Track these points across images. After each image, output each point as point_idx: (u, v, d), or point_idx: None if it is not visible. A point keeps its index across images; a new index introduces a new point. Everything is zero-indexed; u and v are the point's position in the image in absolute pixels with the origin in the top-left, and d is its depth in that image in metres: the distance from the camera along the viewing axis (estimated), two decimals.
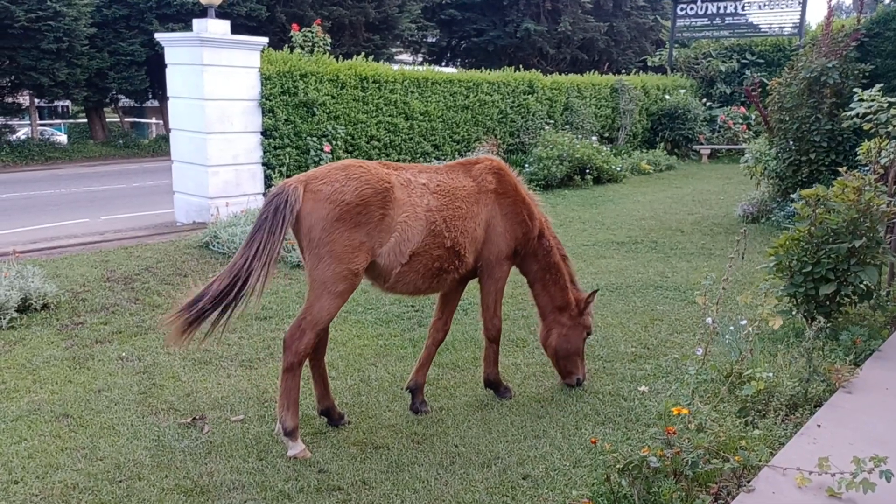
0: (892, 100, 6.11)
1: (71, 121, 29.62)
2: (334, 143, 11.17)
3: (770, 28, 20.22)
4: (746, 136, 19.40)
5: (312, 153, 10.88)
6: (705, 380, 3.68)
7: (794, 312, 5.42)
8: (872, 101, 6.12)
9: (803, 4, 19.35)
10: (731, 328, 4.66)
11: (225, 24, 10.00)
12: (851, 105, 6.44)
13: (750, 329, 3.84)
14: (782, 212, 10.27)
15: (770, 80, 17.84)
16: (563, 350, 4.65)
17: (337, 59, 11.71)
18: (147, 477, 3.58)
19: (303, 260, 3.87)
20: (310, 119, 10.93)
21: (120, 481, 3.55)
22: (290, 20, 13.36)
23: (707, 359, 3.77)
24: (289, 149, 10.68)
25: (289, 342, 3.82)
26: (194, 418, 4.20)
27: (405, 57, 34.21)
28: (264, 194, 10.47)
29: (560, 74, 17.19)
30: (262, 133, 10.48)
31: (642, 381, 4.79)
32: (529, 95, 15.35)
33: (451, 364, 5.10)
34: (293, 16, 22.23)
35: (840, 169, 5.77)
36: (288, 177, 10.74)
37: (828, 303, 5.27)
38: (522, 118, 15.19)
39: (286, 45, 11.17)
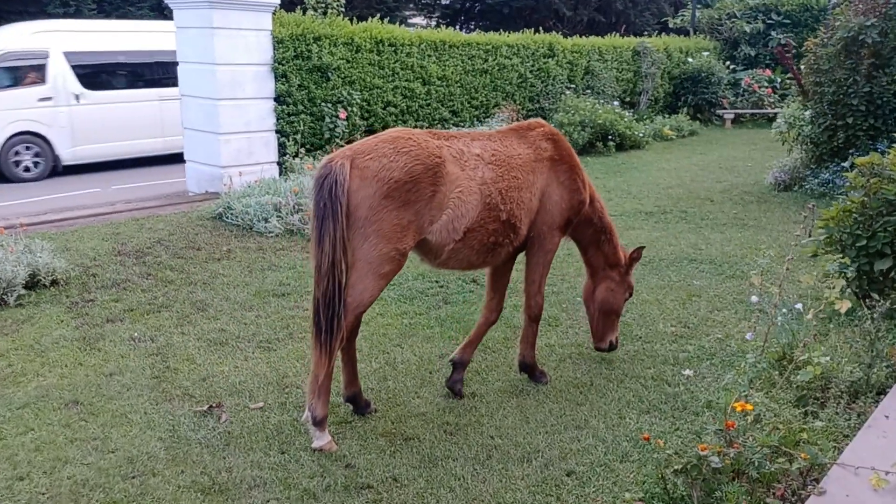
0: None
1: None
2: (350, 109, 10.80)
3: None
4: (772, 100, 18.82)
5: (328, 120, 10.52)
6: (759, 369, 3.38)
7: (846, 289, 5.09)
8: None
9: None
10: (784, 310, 4.34)
11: None
12: None
13: (810, 312, 3.51)
14: (816, 179, 9.85)
15: (797, 41, 17.25)
16: (607, 305, 4.56)
17: (351, 22, 11.28)
18: (161, 472, 3.34)
19: (346, 237, 3.55)
20: (324, 84, 10.55)
21: (133, 477, 3.31)
22: None
23: (765, 345, 3.46)
24: (303, 115, 10.33)
25: (341, 320, 3.55)
26: (211, 406, 3.95)
27: (419, 20, 33.46)
28: (279, 163, 10.17)
29: (579, 37, 16.63)
30: (275, 99, 10.12)
31: (686, 364, 4.49)
32: (550, 59, 14.84)
33: (482, 345, 4.80)
34: None
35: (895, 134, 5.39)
36: (303, 145, 10.48)
37: (882, 279, 4.93)
38: (542, 83, 14.70)
39: (298, 7, 10.74)
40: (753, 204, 9.29)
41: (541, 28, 16.54)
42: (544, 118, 14.54)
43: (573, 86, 15.38)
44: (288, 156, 9.98)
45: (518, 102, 14.19)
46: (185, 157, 10.34)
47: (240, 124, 9.79)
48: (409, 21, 30.52)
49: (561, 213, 4.26)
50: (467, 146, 3.95)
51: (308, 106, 10.41)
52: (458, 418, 3.83)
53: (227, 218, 8.10)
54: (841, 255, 4.35)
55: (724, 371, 4.38)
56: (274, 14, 10.02)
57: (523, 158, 4.12)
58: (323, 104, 10.50)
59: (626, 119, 14.76)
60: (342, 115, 10.45)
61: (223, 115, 9.60)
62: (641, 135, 14.88)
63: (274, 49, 9.95)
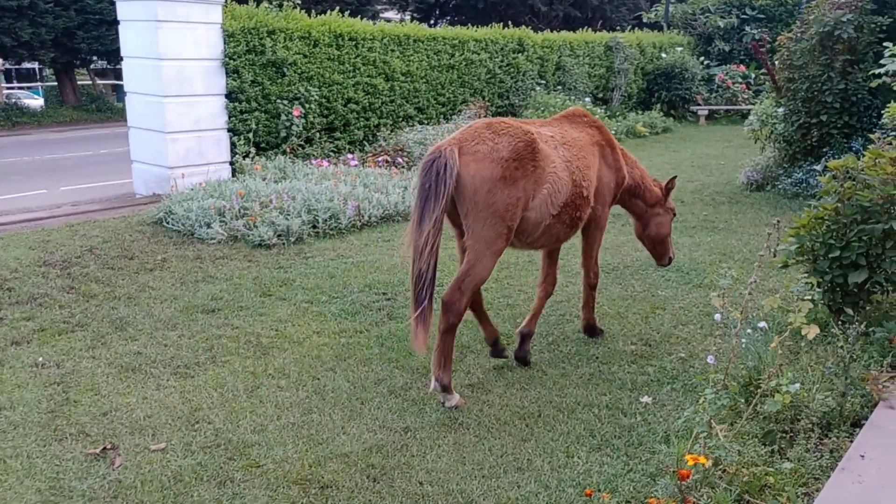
0: None
1: (48, 84, 28.36)
2: (308, 106, 10.31)
3: None
4: (746, 97, 18.57)
5: (283, 118, 10.02)
6: (720, 406, 2.98)
7: (818, 303, 4.71)
8: None
9: None
10: (749, 330, 3.95)
11: None
12: (882, 61, 5.65)
13: (776, 340, 3.12)
14: (790, 179, 9.53)
15: (771, 36, 16.98)
16: (660, 235, 5.13)
17: (309, 15, 10.78)
18: None
19: (463, 222, 3.91)
20: (280, 80, 10.05)
21: None
22: None
23: (726, 377, 3.06)
24: (257, 113, 9.83)
25: (449, 303, 3.85)
26: (105, 448, 3.47)
27: (391, 14, 32.89)
28: (231, 163, 9.67)
29: (550, 32, 16.24)
30: (227, 96, 9.61)
31: (644, 390, 4.09)
32: (519, 54, 14.43)
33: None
34: None
35: (872, 136, 5.03)
36: (257, 144, 9.97)
37: (856, 292, 4.57)
38: (512, 78, 14.29)
39: (252, 0, 10.23)
40: (725, 205, 8.94)
41: (512, 23, 16.12)
42: (514, 115, 14.16)
43: (544, 81, 14.99)
44: (239, 156, 9.48)
45: (487, 99, 13.77)
46: (132, 157, 9.81)
47: (188, 122, 9.27)
48: (381, 15, 29.98)
49: (610, 191, 4.70)
50: (540, 129, 4.30)
51: (262, 103, 9.90)
52: (385, 459, 3.39)
53: (167, 223, 7.59)
54: (807, 275, 3.97)
55: (686, 397, 3.99)
56: (225, 6, 9.52)
57: (583, 141, 4.51)
58: (278, 101, 10.00)
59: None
60: (296, 112, 9.95)
61: (170, 113, 9.08)
62: (614, 132, 14.53)
63: (224, 43, 9.44)
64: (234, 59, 9.49)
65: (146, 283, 5.93)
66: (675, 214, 5.35)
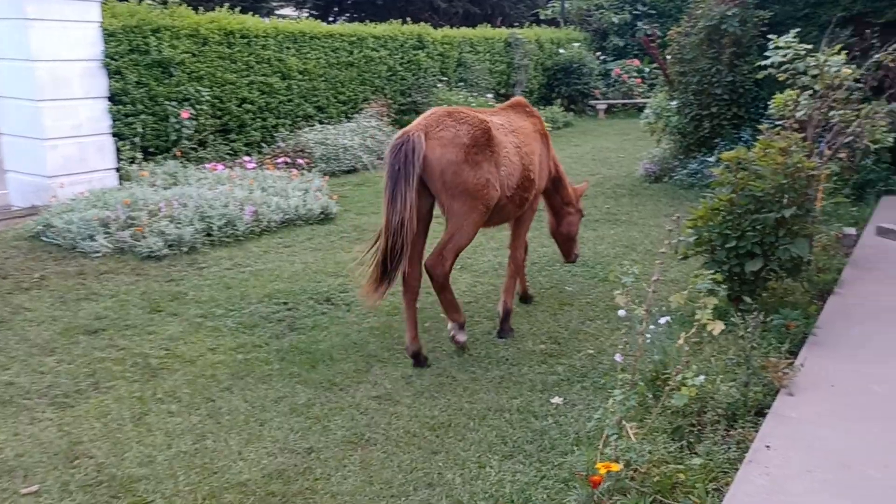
0: (809, 46, 5.53)
1: None
2: (199, 107, 9.80)
3: None
4: (642, 90, 19.12)
5: (173, 120, 9.49)
6: (629, 407, 2.92)
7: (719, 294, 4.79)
8: (789, 48, 5.50)
9: None
10: (653, 326, 3.95)
11: None
12: (766, 53, 5.82)
13: (682, 337, 3.09)
14: (685, 170, 9.82)
15: (662, 31, 17.55)
16: (570, 233, 5.60)
17: (196, 11, 10.26)
18: None
19: (437, 200, 4.29)
20: (167, 81, 9.51)
21: None
22: None
23: (634, 377, 3.01)
24: (143, 116, 9.26)
25: (433, 268, 4.25)
26: None
27: (288, 11, 32.10)
28: (117, 169, 9.07)
29: (450, 28, 16.20)
30: (110, 98, 9.00)
31: (555, 390, 4.02)
32: (420, 51, 14.29)
33: (327, 382, 4.17)
34: None
35: (761, 127, 5.16)
36: (144, 148, 9.40)
37: (753, 280, 4.67)
38: (413, 75, 14.14)
39: None
40: (626, 197, 9.11)
41: (412, 19, 15.96)
42: (416, 112, 14.01)
43: (446, 78, 14.92)
44: (125, 161, 8.90)
45: (388, 96, 13.56)
46: (6, 167, 9.05)
47: (68, 128, 8.62)
48: (277, 12, 29.19)
49: (544, 178, 5.05)
50: (493, 117, 4.61)
51: (149, 105, 9.34)
52: (286, 485, 3.17)
53: (46, 237, 7.02)
54: (713, 271, 4.00)
55: (596, 395, 3.95)
56: (104, 4, 8.91)
57: (528, 129, 4.88)
58: (166, 103, 9.46)
59: None
60: (185, 114, 9.44)
61: (47, 119, 8.42)
62: None
63: (104, 42, 8.84)
64: (116, 60, 8.90)
65: (21, 304, 5.42)
66: (583, 216, 5.79)
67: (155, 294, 5.66)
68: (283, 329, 4.99)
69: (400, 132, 4.22)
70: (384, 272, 4.13)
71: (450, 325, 4.52)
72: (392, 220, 4.02)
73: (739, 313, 4.39)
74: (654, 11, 20.60)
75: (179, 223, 6.99)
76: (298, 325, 5.06)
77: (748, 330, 3.60)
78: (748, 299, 4.46)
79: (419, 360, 4.38)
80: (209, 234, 7.09)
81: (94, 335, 4.86)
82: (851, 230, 6.73)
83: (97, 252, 6.63)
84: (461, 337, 4.50)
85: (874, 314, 4.72)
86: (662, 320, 3.81)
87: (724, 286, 4.70)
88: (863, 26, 8.60)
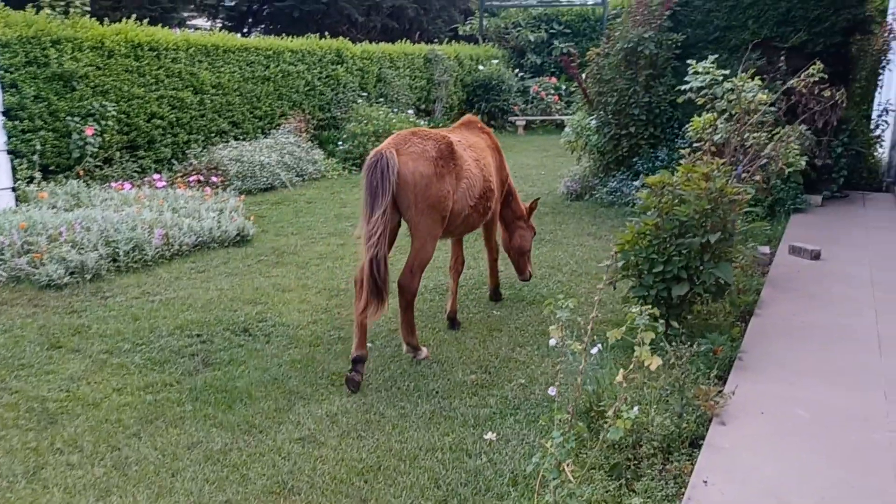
0: (727, 72, 5.66)
1: None
2: (104, 122, 9.26)
3: None
4: (559, 107, 19.46)
5: (75, 136, 8.92)
6: (569, 450, 2.82)
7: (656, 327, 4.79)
8: (707, 73, 5.61)
9: None
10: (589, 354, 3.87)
11: None
12: (686, 78, 5.93)
13: (620, 374, 3.01)
14: (605, 188, 9.95)
15: (578, 49, 17.95)
16: (523, 248, 5.81)
17: (101, 23, 9.72)
18: None
19: (404, 216, 4.59)
20: (69, 95, 8.94)
21: None
22: None
23: (572, 416, 2.90)
24: (42, 132, 8.66)
25: (404, 285, 4.61)
26: None
27: (201, 21, 31.18)
28: (13, 189, 8.43)
29: (369, 43, 16.03)
30: (4, 114, 8.38)
31: (488, 425, 3.88)
32: (339, 66, 14.05)
33: (246, 423, 3.90)
34: None
35: (683, 151, 5.22)
36: (45, 167, 8.78)
37: (679, 304, 4.69)
38: (333, 90, 13.88)
39: (31, 5, 9.02)
40: (548, 216, 9.13)
41: (329, 35, 15.71)
42: (336, 128, 13.77)
43: (365, 94, 14.72)
44: (22, 181, 8.29)
45: (307, 111, 13.26)
46: None
47: None
48: (189, 23, 28.30)
49: (500, 189, 5.43)
50: (451, 135, 4.98)
51: (49, 121, 8.75)
52: None
53: None
54: (649, 305, 3.97)
55: (529, 429, 3.83)
56: None
57: (482, 144, 5.30)
58: (69, 118, 8.89)
59: (421, 127, 14.34)
60: (89, 131, 8.89)
61: None
62: None
63: None
64: (11, 73, 8.30)
65: None
66: (535, 233, 6.10)
67: (54, 328, 5.22)
68: (196, 365, 4.67)
69: (373, 151, 4.48)
70: (375, 284, 4.28)
71: (405, 347, 4.81)
72: (371, 233, 4.26)
73: (666, 336, 4.40)
74: (569, 30, 21.07)
75: (82, 248, 6.52)
76: (213, 359, 4.75)
77: (680, 361, 3.57)
78: (675, 324, 4.47)
79: (358, 366, 4.38)
80: (115, 260, 6.65)
81: None
82: (766, 249, 6.93)
83: None
84: (421, 355, 4.78)
85: (791, 333, 4.82)
86: (594, 349, 3.73)
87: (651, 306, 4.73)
88: (770, 50, 8.96)
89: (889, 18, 11.27)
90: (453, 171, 4.66)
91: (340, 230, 8.39)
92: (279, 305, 5.81)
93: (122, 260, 6.65)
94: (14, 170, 8.39)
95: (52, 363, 4.64)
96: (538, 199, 6.12)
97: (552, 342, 3.57)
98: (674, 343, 4.21)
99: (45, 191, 8.05)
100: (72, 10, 9.34)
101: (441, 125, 16.57)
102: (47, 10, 9.11)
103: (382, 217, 4.26)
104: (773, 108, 5.90)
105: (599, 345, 3.87)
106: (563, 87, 19.69)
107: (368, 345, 4.77)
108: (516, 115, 19.03)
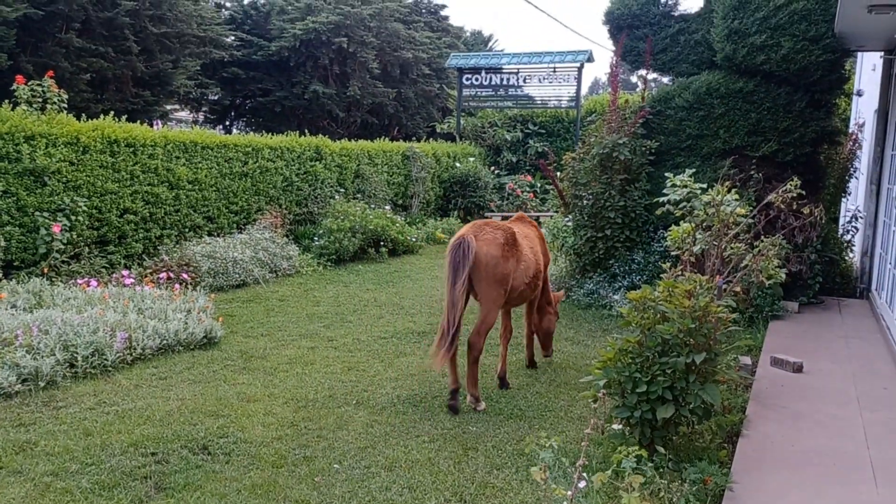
0: (704, 186, 5.67)
1: None
2: (74, 218, 9.07)
3: (550, 100, 20.96)
4: (534, 204, 19.70)
5: (43, 232, 8.70)
6: None
7: (628, 437, 4.57)
8: (685, 186, 5.62)
9: (578, 80, 20.29)
10: (568, 493, 3.62)
11: None
12: (665, 191, 5.94)
13: None
14: (582, 289, 9.87)
15: (552, 149, 18.37)
16: (549, 329, 6.96)
17: (90, 117, 9.70)
18: None
19: (475, 288, 5.77)
20: (39, 190, 8.79)
21: None
22: (41, 72, 11.08)
23: None
24: (9, 227, 8.44)
25: (473, 343, 5.73)
26: None
27: (184, 114, 31.65)
28: None
29: (350, 139, 16.24)
30: None
31: None
32: (317, 162, 14.13)
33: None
34: (43, 67, 19.15)
35: (664, 265, 5.14)
36: (7, 261, 8.51)
37: (663, 426, 4.48)
38: (310, 186, 13.90)
39: (7, 101, 8.98)
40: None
41: (310, 129, 15.91)
42: (313, 223, 13.71)
43: (343, 189, 14.78)
44: (454, 238, 8.03)
45: (284, 207, 13.22)
46: None
47: None
48: (172, 116, 28.71)
49: (544, 272, 6.67)
50: (511, 226, 6.15)
51: (16, 216, 8.55)
52: None
53: None
54: (633, 440, 3.77)
55: None
56: None
57: (532, 234, 6.57)
58: (37, 213, 8.69)
59: (398, 224, 14.37)
60: (56, 228, 8.68)
61: None
62: (414, 239, 14.56)
63: None
64: None
65: None
66: (558, 317, 7.34)
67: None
68: (148, 490, 4.31)
69: (456, 236, 5.72)
70: (451, 341, 5.47)
71: (469, 398, 5.83)
72: (454, 299, 5.47)
73: (652, 463, 4.17)
74: (543, 131, 21.63)
75: (38, 353, 6.20)
76: (167, 483, 4.41)
77: (672, 500, 3.34)
78: (661, 449, 4.25)
79: (455, 398, 5.71)
80: (72, 366, 6.32)
81: None
82: (747, 359, 6.81)
83: None
84: (480, 407, 5.79)
85: (782, 460, 4.61)
86: (582, 484, 3.49)
87: (635, 426, 4.51)
88: (742, 159, 9.13)
89: (852, 127, 11.67)
90: (515, 255, 5.87)
91: (312, 332, 8.14)
92: (242, 418, 5.49)
93: (80, 365, 6.32)
94: None
95: None
96: (565, 288, 7.56)
97: (533, 471, 3.34)
98: (661, 469, 3.98)
99: (4, 290, 7.74)
100: (49, 106, 9.32)
101: (418, 221, 16.62)
102: (24, 106, 9.08)
103: (462, 286, 5.48)
104: (751, 220, 5.90)
105: (584, 482, 3.65)
106: (538, 184, 20.00)
107: (335, 466, 4.49)
108: (492, 211, 19.18)
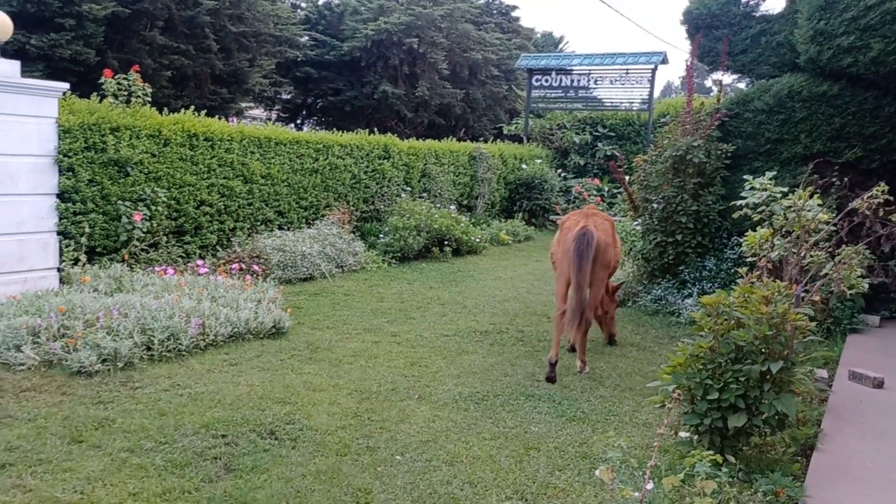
0: (784, 189, 5.48)
1: None
2: (154, 208, 9.42)
3: (621, 103, 20.63)
4: (601, 208, 19.42)
5: (125, 220, 9.06)
6: None
7: (696, 445, 4.45)
8: (764, 189, 5.44)
9: (652, 82, 19.90)
10: (636, 493, 3.55)
11: (12, 65, 8.15)
12: (743, 194, 5.76)
13: None
14: (650, 295, 9.68)
15: (621, 152, 18.08)
16: (612, 314, 7.80)
17: (170, 112, 10.08)
18: None
19: (587, 266, 6.49)
20: (122, 180, 9.16)
21: None
22: (125, 69, 11.61)
23: None
24: (93, 215, 8.82)
25: (588, 317, 6.62)
26: None
27: (258, 112, 32.49)
28: (59, 269, 8.53)
29: (417, 138, 16.35)
30: (59, 196, 8.58)
31: None
32: (385, 160, 14.29)
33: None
34: (128, 63, 19.98)
35: (740, 270, 4.99)
36: (91, 248, 8.91)
37: (735, 436, 4.35)
38: (377, 184, 14.06)
39: (95, 94, 9.40)
40: None
41: (378, 128, 16.10)
42: (379, 220, 13.87)
43: (409, 188, 14.89)
44: (68, 262, 8.39)
45: (351, 204, 13.41)
46: None
47: (10, 224, 8.13)
48: (247, 113, 29.49)
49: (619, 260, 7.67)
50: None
51: (101, 204, 8.93)
52: None
53: None
54: (700, 443, 3.67)
55: None
56: (63, 100, 8.65)
57: (607, 224, 7.10)
58: (120, 202, 9.06)
59: (462, 224, 14.39)
60: (137, 217, 9.03)
61: None
62: (478, 240, 14.55)
63: (59, 139, 8.51)
64: (70, 157, 8.55)
65: None
66: (618, 305, 8.43)
67: (79, 420, 5.07)
68: (217, 470, 4.44)
69: (579, 226, 6.57)
70: (581, 316, 6.43)
71: (578, 364, 6.84)
72: (581, 281, 6.38)
73: (721, 472, 4.05)
74: (613, 134, 21.31)
75: (118, 335, 6.46)
76: (236, 464, 4.53)
77: None
78: (732, 458, 4.12)
79: (554, 371, 6.53)
80: (149, 349, 6.56)
81: (1, 471, 4.24)
82: (823, 372, 6.55)
83: (22, 364, 6.05)
84: (586, 370, 6.79)
85: (861, 478, 4.41)
86: (649, 486, 3.42)
87: (704, 434, 4.39)
88: (823, 165, 8.79)
89: None
90: (615, 241, 7.06)
91: (376, 326, 8.23)
92: (308, 406, 5.60)
93: (156, 348, 6.56)
94: (62, 251, 8.51)
95: (71, 459, 4.47)
96: (623, 282, 8.78)
97: (597, 473, 3.29)
98: (731, 479, 3.87)
99: (87, 274, 8.10)
100: (133, 99, 9.71)
101: (482, 221, 16.61)
102: (111, 99, 9.48)
103: (589, 269, 6.40)
104: (833, 227, 5.67)
105: (652, 482, 3.58)
106: (606, 188, 19.73)
107: (397, 457, 4.54)
108: (557, 215, 19.01)
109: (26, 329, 6.38)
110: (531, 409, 5.80)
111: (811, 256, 5.53)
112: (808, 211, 5.17)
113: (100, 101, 9.28)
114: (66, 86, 8.67)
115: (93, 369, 6.02)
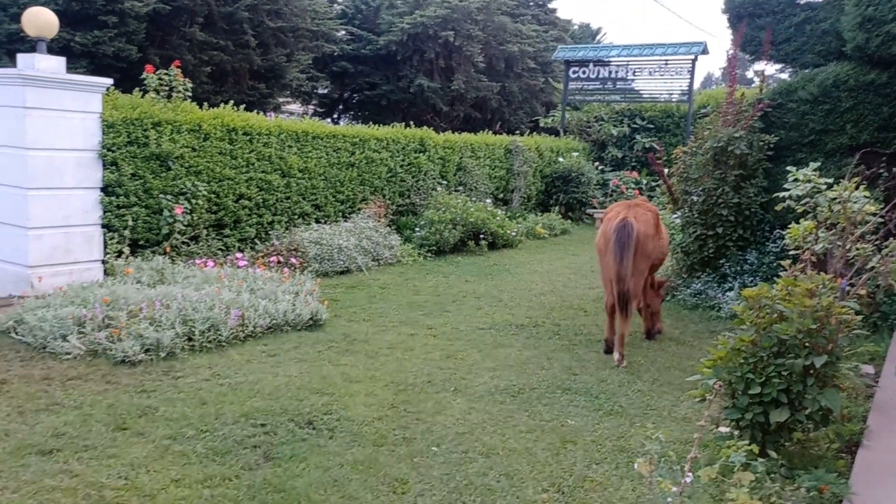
0: (829, 181, 5.34)
1: None
2: (195, 201, 9.58)
3: (660, 94, 20.32)
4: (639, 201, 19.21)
5: (166, 213, 9.23)
6: None
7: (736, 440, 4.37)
8: (808, 181, 5.31)
9: (692, 73, 19.56)
10: (674, 489, 3.50)
11: (58, 62, 8.35)
12: (786, 186, 5.64)
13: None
14: (689, 289, 9.53)
15: (660, 145, 17.82)
16: (655, 309, 7.68)
17: (210, 107, 10.23)
18: None
19: (629, 258, 6.54)
20: (164, 174, 9.33)
21: None
22: (166, 65, 11.83)
23: None
24: (136, 208, 9.01)
25: (630, 306, 6.60)
26: None
27: (295, 107, 32.78)
28: (104, 261, 8.74)
29: (453, 132, 16.33)
30: (103, 189, 8.78)
31: None
32: (421, 154, 14.31)
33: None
34: (168, 59, 20.33)
35: (783, 263, 4.88)
36: (134, 240, 9.11)
37: (777, 431, 4.26)
38: (413, 178, 14.09)
39: (137, 89, 9.58)
40: None
41: (414, 122, 16.12)
42: (414, 214, 13.90)
43: (445, 181, 14.89)
44: (112, 254, 8.58)
45: (387, 197, 13.46)
46: None
47: (57, 217, 8.35)
48: (285, 108, 29.77)
49: (664, 251, 7.56)
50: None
51: (143, 197, 9.11)
52: None
53: (17, 334, 6.61)
54: (727, 409, 3.61)
55: None
56: (106, 95, 8.84)
57: (650, 215, 7.06)
58: (162, 196, 9.23)
59: (498, 217, 14.34)
60: (178, 210, 9.19)
61: (34, 207, 8.15)
62: (514, 233, 14.49)
63: (103, 133, 8.70)
64: (113, 151, 8.74)
65: None
66: (663, 299, 8.05)
67: (123, 408, 5.19)
68: (257, 458, 4.51)
69: (619, 217, 6.64)
70: (624, 306, 6.53)
71: (616, 355, 6.73)
72: (623, 273, 6.47)
73: (762, 463, 3.98)
74: (651, 126, 21.00)
75: (160, 326, 6.60)
76: (275, 453, 4.59)
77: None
78: (774, 454, 4.05)
79: (610, 347, 6.90)
80: (190, 339, 6.68)
81: (48, 457, 4.37)
82: (869, 368, 6.38)
83: (68, 353, 6.21)
84: (623, 363, 6.71)
85: None
86: (688, 478, 3.37)
87: (745, 428, 4.31)
88: (870, 156, 8.55)
89: None
90: (658, 233, 7.04)
91: (412, 319, 8.26)
92: (346, 397, 5.65)
93: (197, 339, 6.67)
94: (105, 244, 8.71)
95: (115, 446, 4.58)
96: (669, 278, 8.79)
97: (636, 466, 3.26)
98: (773, 475, 3.80)
99: (131, 266, 8.28)
100: (174, 94, 9.87)
101: (518, 215, 16.54)
102: (152, 94, 9.66)
103: (630, 261, 6.44)
104: (880, 219, 5.51)
105: (690, 475, 3.53)
106: (644, 181, 19.48)
107: (434, 449, 4.55)
108: (594, 208, 18.85)
109: (72, 319, 6.54)
110: (568, 402, 5.77)
111: (857, 249, 5.39)
112: (854, 202, 5.03)
113: (142, 97, 9.46)
114: (110, 81, 8.85)
115: (136, 359, 6.16)
